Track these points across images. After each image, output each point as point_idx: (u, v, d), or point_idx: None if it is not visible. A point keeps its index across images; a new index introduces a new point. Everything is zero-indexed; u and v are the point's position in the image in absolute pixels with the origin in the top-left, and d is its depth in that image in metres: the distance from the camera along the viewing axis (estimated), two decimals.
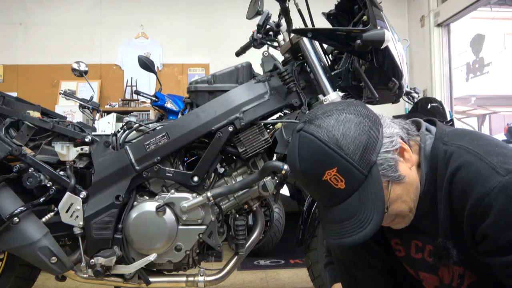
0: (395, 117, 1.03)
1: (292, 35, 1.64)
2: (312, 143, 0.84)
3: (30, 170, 1.59)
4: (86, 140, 1.63)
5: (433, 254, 0.95)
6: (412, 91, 2.65)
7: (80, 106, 2.46)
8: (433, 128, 0.97)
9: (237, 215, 1.69)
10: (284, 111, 1.70)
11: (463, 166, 0.84)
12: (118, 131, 1.71)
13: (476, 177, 0.81)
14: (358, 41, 1.37)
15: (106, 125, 2.55)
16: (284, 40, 1.71)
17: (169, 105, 3.25)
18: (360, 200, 0.84)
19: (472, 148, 0.85)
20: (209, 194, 1.57)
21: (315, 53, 1.62)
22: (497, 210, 0.78)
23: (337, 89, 1.61)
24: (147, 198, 1.66)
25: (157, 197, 1.64)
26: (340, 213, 0.86)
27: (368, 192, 0.84)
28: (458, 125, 3.03)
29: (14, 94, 3.30)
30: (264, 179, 1.56)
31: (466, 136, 0.90)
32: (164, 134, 1.61)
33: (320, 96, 1.60)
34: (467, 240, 0.86)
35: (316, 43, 1.66)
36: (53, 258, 1.56)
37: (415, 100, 2.82)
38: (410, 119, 0.99)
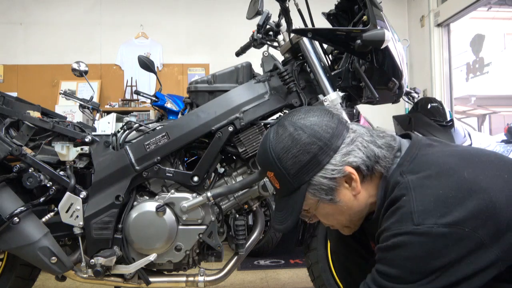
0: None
1: (292, 35, 1.64)
2: (264, 144, 0.98)
3: (30, 170, 1.59)
4: (86, 140, 1.63)
5: None
6: (412, 91, 2.65)
7: (80, 106, 2.45)
8: (404, 149, 0.98)
9: (237, 215, 1.69)
10: (284, 111, 1.70)
11: (395, 201, 0.88)
12: (118, 131, 1.71)
13: (396, 213, 0.86)
14: (358, 41, 1.37)
15: (106, 125, 2.54)
16: (284, 40, 1.71)
17: (169, 105, 3.25)
18: (286, 203, 0.98)
19: (413, 187, 0.87)
20: (209, 194, 1.57)
21: (315, 53, 1.62)
22: (391, 243, 0.84)
23: (337, 89, 1.61)
24: (147, 198, 1.66)
25: (157, 197, 1.64)
26: (277, 204, 1.02)
27: (293, 201, 0.96)
28: (458, 125, 3.03)
29: (14, 94, 3.30)
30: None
31: (424, 171, 0.89)
32: (164, 134, 1.61)
33: (320, 96, 1.60)
34: None
35: (316, 43, 1.65)
36: (53, 258, 1.56)
37: (415, 100, 2.82)
38: (386, 142, 0.99)
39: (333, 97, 1.55)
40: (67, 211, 1.58)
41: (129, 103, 4.52)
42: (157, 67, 4.71)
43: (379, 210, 0.96)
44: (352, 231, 1.06)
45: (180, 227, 1.61)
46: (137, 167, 1.60)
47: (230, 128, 1.58)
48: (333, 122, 0.95)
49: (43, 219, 1.59)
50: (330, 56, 1.73)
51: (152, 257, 1.59)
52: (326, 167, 0.92)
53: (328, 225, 1.07)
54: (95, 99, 2.90)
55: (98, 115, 3.06)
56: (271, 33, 1.72)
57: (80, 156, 1.68)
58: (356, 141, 0.94)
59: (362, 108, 1.91)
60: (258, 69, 1.74)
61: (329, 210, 0.97)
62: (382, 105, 1.69)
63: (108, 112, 3.76)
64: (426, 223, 0.80)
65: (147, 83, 4.68)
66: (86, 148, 1.65)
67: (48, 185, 1.61)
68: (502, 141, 3.19)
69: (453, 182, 0.84)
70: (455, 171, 0.86)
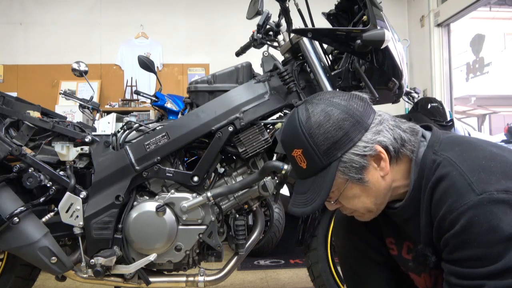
0: (396, 117, 1.04)
1: (292, 35, 1.64)
2: (293, 121, 0.96)
3: (30, 170, 1.59)
4: (86, 140, 1.63)
5: (412, 259, 0.99)
6: (412, 91, 2.64)
7: (80, 106, 2.45)
8: (428, 135, 0.99)
9: (237, 215, 1.69)
10: (284, 111, 1.70)
11: (444, 178, 0.87)
12: (118, 131, 1.71)
13: (452, 190, 0.84)
14: (358, 41, 1.37)
15: (106, 125, 2.55)
16: (284, 40, 1.71)
17: (169, 105, 3.25)
18: (313, 183, 0.94)
19: (457, 161, 0.87)
20: (209, 194, 1.57)
21: (315, 53, 1.62)
22: (461, 225, 0.80)
23: (337, 89, 1.61)
24: (147, 198, 1.66)
25: (157, 197, 1.64)
26: (299, 187, 0.98)
27: (321, 180, 0.93)
28: (458, 125, 3.03)
29: (14, 94, 3.30)
30: (264, 179, 1.56)
31: (457, 147, 0.92)
32: (164, 134, 1.61)
33: None
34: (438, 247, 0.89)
35: (316, 43, 1.65)
36: (53, 258, 1.56)
37: (415, 100, 2.82)
38: (410, 126, 1.00)
39: None
40: (67, 211, 1.58)
41: (129, 103, 4.53)
42: (157, 67, 4.71)
43: (411, 196, 0.95)
44: (374, 216, 1.02)
45: (180, 227, 1.61)
46: (137, 167, 1.60)
47: (230, 128, 1.58)
48: (362, 102, 0.96)
49: (43, 219, 1.59)
50: (330, 56, 1.73)
51: (152, 257, 1.59)
52: (358, 144, 0.91)
53: (350, 211, 1.03)
54: (95, 99, 2.90)
55: (98, 115, 3.06)
56: (271, 33, 1.72)
57: (80, 156, 1.68)
58: (383, 123, 0.95)
59: None
60: (258, 69, 1.74)
61: (357, 191, 0.95)
62: (382, 105, 1.68)
63: (108, 112, 3.76)
64: (487, 190, 0.80)
65: (147, 83, 4.69)
66: (86, 148, 1.65)
67: (48, 185, 1.61)
68: (502, 141, 3.19)
69: (488, 154, 0.88)
70: (483, 147, 0.90)
